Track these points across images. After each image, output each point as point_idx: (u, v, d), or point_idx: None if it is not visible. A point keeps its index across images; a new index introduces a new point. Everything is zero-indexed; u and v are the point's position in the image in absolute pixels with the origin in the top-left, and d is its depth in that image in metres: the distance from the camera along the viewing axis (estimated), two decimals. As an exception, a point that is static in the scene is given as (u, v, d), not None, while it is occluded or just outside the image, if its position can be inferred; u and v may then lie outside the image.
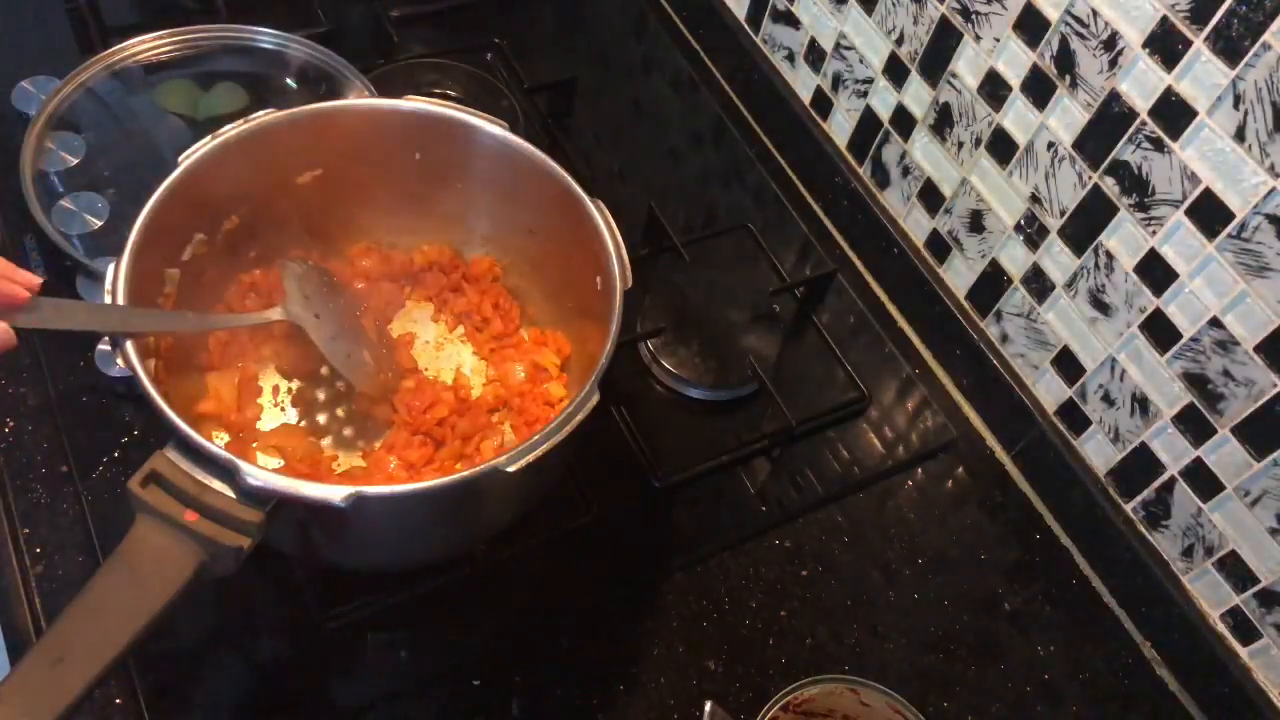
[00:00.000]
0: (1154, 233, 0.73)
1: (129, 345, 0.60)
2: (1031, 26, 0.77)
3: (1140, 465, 0.80)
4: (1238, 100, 0.65)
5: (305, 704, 0.70)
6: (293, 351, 0.77)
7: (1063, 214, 0.80)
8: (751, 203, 1.04)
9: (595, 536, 0.78)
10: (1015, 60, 0.79)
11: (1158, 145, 0.71)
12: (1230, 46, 0.64)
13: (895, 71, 0.91)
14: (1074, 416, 0.85)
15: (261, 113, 0.71)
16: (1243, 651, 0.76)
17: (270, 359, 0.77)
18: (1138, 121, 0.71)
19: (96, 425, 0.76)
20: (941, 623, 0.80)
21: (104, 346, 0.77)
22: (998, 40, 0.80)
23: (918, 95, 0.90)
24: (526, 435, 0.65)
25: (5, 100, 0.88)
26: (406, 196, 0.80)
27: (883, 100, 0.94)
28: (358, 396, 0.76)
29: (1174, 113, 0.69)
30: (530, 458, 0.59)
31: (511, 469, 0.59)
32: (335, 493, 0.56)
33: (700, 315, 0.92)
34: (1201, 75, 0.66)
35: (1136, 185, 0.73)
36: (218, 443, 0.57)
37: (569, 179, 0.72)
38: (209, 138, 0.68)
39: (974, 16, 0.81)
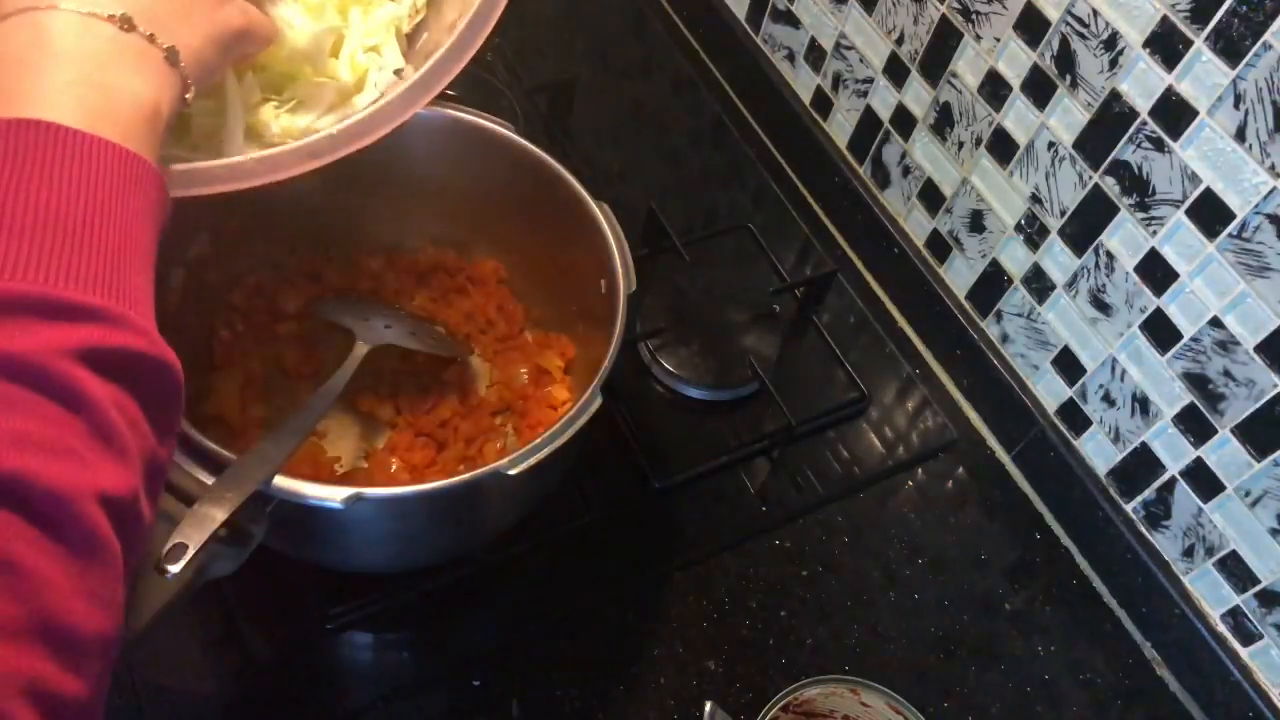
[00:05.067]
0: (1154, 233, 0.73)
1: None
2: (1032, 26, 0.77)
3: (1140, 465, 0.80)
4: (1238, 100, 0.65)
5: (305, 704, 0.70)
6: (295, 352, 0.77)
7: (1063, 214, 0.80)
8: (751, 203, 1.04)
9: (595, 537, 0.78)
10: (1015, 60, 0.79)
11: (1158, 145, 0.71)
12: (1231, 46, 0.64)
13: (895, 71, 0.91)
14: (1074, 416, 0.85)
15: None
16: (1243, 651, 0.76)
17: (273, 359, 0.77)
18: (1138, 121, 0.71)
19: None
20: (941, 623, 0.80)
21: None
22: (998, 40, 0.80)
23: (918, 95, 0.90)
24: (529, 438, 0.64)
25: (5, 100, 0.88)
26: (410, 198, 0.80)
27: (883, 100, 0.94)
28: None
29: (1174, 113, 0.69)
30: (532, 461, 0.59)
31: (513, 472, 0.59)
32: (336, 494, 0.56)
33: (700, 315, 0.92)
34: (1202, 75, 0.66)
35: (1137, 185, 0.73)
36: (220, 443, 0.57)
37: (574, 181, 0.72)
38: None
39: (974, 16, 0.81)
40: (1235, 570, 0.75)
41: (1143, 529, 0.81)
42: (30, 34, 0.45)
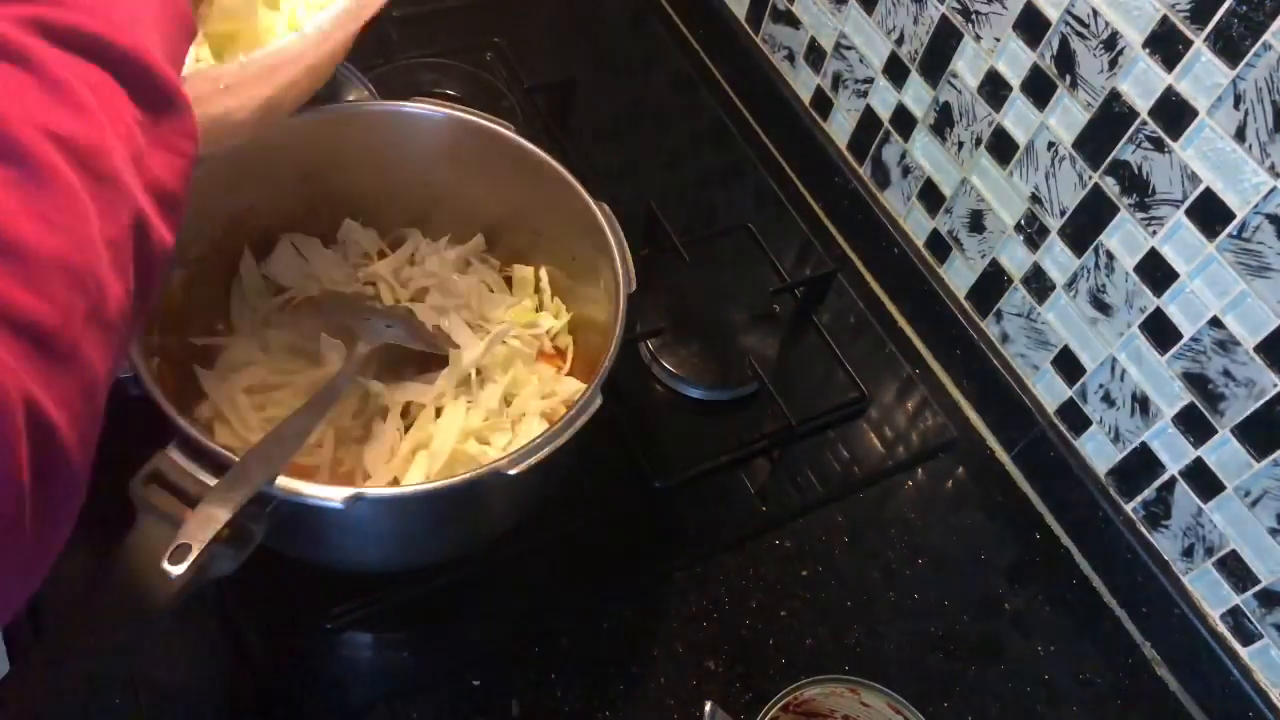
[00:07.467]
0: (1154, 232, 0.73)
1: (131, 345, 0.60)
2: (1032, 26, 0.77)
3: (1140, 465, 0.80)
4: (1238, 100, 0.65)
5: (305, 704, 0.70)
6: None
7: (1063, 214, 0.80)
8: (751, 203, 1.04)
9: (596, 537, 0.78)
10: (1015, 60, 0.79)
11: (1158, 145, 0.71)
12: (1230, 46, 0.64)
13: (895, 71, 0.91)
14: (1074, 416, 0.85)
15: (262, 113, 0.71)
16: (1243, 651, 0.76)
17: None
18: (1138, 121, 0.71)
19: (97, 425, 0.76)
20: (941, 623, 0.80)
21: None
22: (998, 40, 0.80)
23: (918, 95, 0.90)
24: (529, 437, 0.65)
25: (5, 100, 0.88)
26: (409, 198, 0.80)
27: (883, 100, 0.94)
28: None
29: (1174, 113, 0.69)
30: (532, 461, 0.59)
31: (513, 472, 0.59)
32: (336, 494, 0.56)
33: (700, 315, 0.92)
34: (1202, 75, 0.66)
35: (1137, 185, 0.73)
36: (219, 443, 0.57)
37: (574, 182, 0.72)
38: (212, 138, 0.68)
39: (974, 16, 0.81)
40: (1235, 570, 0.75)
41: (1143, 529, 0.81)
42: None
